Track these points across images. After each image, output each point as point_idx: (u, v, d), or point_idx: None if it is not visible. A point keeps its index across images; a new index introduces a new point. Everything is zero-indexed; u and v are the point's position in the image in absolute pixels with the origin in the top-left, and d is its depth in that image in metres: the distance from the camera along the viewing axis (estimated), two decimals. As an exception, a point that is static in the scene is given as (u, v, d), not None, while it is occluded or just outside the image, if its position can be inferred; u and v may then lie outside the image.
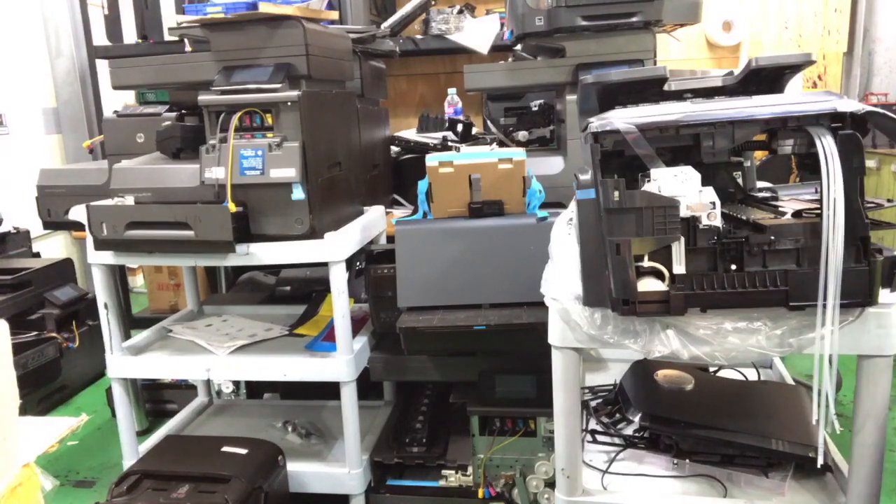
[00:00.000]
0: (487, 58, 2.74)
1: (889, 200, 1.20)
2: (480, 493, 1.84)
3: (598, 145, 1.14)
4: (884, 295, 1.15)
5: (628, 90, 1.33)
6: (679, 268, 1.14)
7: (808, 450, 1.40)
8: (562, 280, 1.30)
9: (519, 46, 2.22)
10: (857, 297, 1.11)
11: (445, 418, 2.03)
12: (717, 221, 1.13)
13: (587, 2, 1.84)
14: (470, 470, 1.86)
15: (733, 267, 1.15)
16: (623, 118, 1.14)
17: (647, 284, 1.15)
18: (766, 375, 1.92)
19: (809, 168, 1.13)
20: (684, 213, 1.13)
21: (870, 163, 3.37)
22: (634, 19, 1.85)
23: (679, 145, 1.20)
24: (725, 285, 1.14)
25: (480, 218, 1.77)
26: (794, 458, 1.42)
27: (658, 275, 1.15)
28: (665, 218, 1.12)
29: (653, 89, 1.31)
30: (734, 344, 1.17)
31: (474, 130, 2.54)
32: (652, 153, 1.13)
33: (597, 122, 1.15)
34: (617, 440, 1.59)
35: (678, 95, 1.30)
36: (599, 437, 1.60)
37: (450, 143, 2.42)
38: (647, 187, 1.13)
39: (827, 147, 1.06)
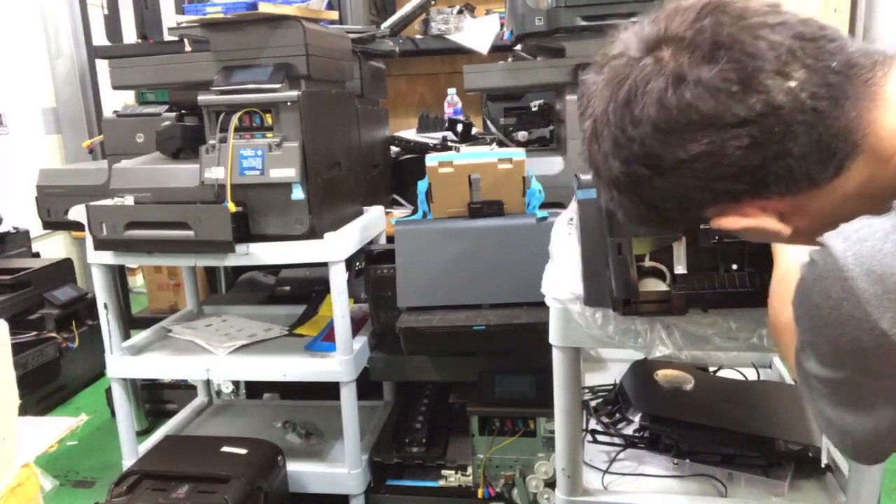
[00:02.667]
0: (487, 58, 2.74)
1: None
2: (480, 493, 1.84)
3: None
4: None
5: None
6: (680, 268, 1.14)
7: (808, 449, 1.40)
8: (562, 280, 1.30)
9: (519, 46, 2.22)
10: None
11: (445, 418, 2.03)
12: None
13: (587, 2, 1.84)
14: (470, 470, 1.86)
15: (735, 266, 1.15)
16: None
17: (649, 284, 1.15)
18: (766, 375, 1.92)
19: None
20: None
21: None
22: (634, 19, 1.85)
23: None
24: (726, 285, 1.14)
25: (480, 218, 1.77)
26: (794, 458, 1.42)
27: (659, 275, 1.15)
28: None
29: None
30: (736, 343, 1.17)
31: (474, 130, 2.54)
32: None
33: None
34: (617, 440, 1.59)
35: None
36: (599, 437, 1.60)
37: (449, 143, 2.42)
38: None
39: None
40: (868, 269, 0.57)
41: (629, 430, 1.59)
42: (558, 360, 1.32)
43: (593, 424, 1.64)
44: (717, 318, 1.17)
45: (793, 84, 0.62)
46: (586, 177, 1.20)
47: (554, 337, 1.30)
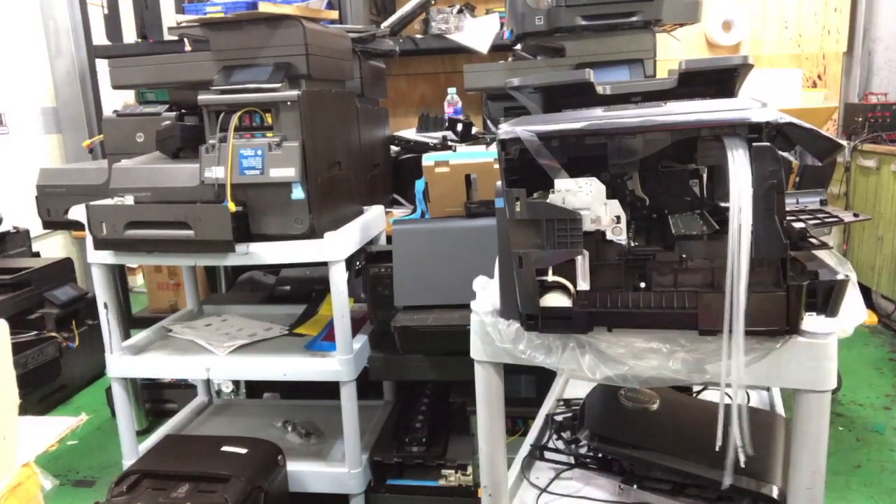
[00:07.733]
0: (487, 57, 2.74)
1: (855, 215, 1.13)
2: (480, 492, 1.83)
3: (503, 153, 1.08)
4: (821, 323, 1.03)
5: (568, 94, 1.24)
6: (583, 283, 1.07)
7: (762, 486, 1.26)
8: (486, 291, 1.24)
9: (519, 46, 2.22)
10: (774, 324, 1.00)
11: (445, 418, 2.04)
12: (622, 236, 1.06)
13: (587, 1, 1.84)
14: (469, 469, 1.86)
15: (642, 285, 1.06)
16: (527, 126, 1.06)
17: (552, 300, 1.08)
18: (757, 399, 1.75)
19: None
20: (589, 226, 1.06)
21: (869, 162, 3.36)
22: (634, 19, 1.85)
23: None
24: (630, 304, 1.06)
25: (477, 217, 1.77)
26: (747, 494, 1.28)
27: (565, 290, 1.08)
28: (567, 231, 1.05)
29: (592, 94, 1.21)
30: (650, 366, 1.08)
31: (474, 130, 2.54)
32: (554, 163, 1.05)
33: (504, 129, 1.07)
34: (567, 458, 1.49)
35: (625, 99, 1.21)
36: (549, 455, 1.51)
37: (449, 143, 2.42)
38: (552, 198, 1.06)
39: (737, 159, 0.94)
40: None
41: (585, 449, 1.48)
42: (479, 375, 1.25)
43: (555, 440, 1.55)
44: (630, 337, 1.09)
45: None
46: (499, 182, 1.13)
47: (475, 351, 1.24)
